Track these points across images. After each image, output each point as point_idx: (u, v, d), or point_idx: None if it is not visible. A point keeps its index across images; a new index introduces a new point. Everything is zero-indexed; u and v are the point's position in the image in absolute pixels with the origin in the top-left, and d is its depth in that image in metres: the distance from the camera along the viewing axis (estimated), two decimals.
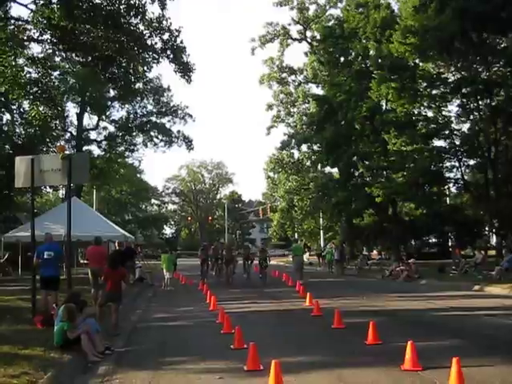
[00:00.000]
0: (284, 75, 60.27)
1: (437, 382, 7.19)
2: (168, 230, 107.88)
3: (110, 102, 46.69)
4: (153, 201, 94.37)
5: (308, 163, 59.97)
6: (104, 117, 48.25)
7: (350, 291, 21.70)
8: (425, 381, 7.35)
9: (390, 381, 7.42)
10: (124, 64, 23.42)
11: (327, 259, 37.32)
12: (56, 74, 31.73)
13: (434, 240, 56.56)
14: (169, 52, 22.96)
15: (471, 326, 12.07)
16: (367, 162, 44.81)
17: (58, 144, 29.29)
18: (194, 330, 12.87)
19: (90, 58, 23.54)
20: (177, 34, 23.02)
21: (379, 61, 32.85)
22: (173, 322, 14.12)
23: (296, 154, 62.29)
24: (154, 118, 48.92)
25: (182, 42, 23.29)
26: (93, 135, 49.06)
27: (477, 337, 10.63)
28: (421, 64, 32.09)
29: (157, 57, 23.17)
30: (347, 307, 15.16)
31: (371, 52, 41.38)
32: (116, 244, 19.90)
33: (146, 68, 24.71)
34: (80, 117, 45.27)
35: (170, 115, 48.79)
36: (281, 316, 14.69)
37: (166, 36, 22.91)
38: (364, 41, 43.30)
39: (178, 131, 49.69)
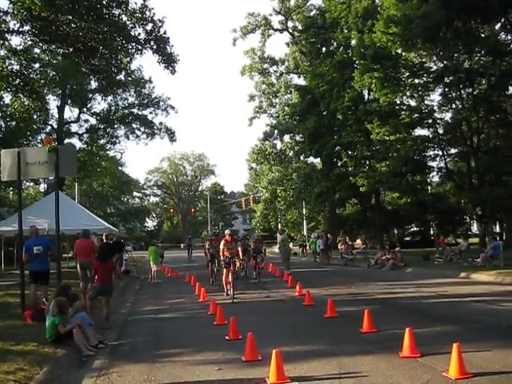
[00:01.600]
0: (266, 66, 60.21)
1: (437, 368, 7.21)
2: (150, 223, 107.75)
3: (91, 95, 46.21)
4: (135, 193, 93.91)
5: (291, 154, 59.98)
6: (85, 109, 47.76)
7: (337, 280, 21.75)
8: (424, 367, 7.37)
9: (390, 368, 7.42)
10: (107, 55, 23.18)
11: (312, 249, 37.36)
12: (36, 66, 31.10)
13: (415, 229, 57.05)
14: (152, 43, 22.77)
15: (463, 312, 12.15)
16: (350, 152, 44.95)
17: (41, 137, 28.93)
18: (186, 321, 12.81)
19: (71, 50, 23.24)
20: (160, 24, 22.85)
21: (362, 51, 32.77)
22: (164, 314, 14.02)
23: (279, 145, 62.37)
24: (135, 110, 48.54)
25: (165, 33, 23.12)
26: (74, 128, 48.58)
27: (470, 322, 10.70)
28: (403, 54, 32.11)
29: (140, 48, 22.93)
30: (338, 296, 15.18)
31: (353, 42, 41.39)
32: (104, 237, 19.69)
33: (129, 59, 24.39)
34: (61, 109, 44.70)
35: (151, 107, 48.43)
36: (272, 306, 14.67)
37: (149, 27, 22.73)
38: (346, 31, 43.32)
39: (161, 123, 49.45)
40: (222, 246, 17.75)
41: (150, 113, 49.20)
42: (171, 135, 48.76)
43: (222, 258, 17.88)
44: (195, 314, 13.83)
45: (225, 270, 17.34)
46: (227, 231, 18.92)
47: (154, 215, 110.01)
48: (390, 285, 18.95)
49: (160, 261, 26.94)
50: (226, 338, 9.97)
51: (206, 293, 16.55)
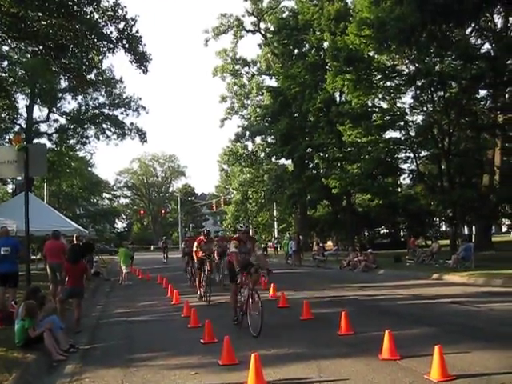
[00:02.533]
0: (237, 67, 60.17)
1: (417, 371, 7.12)
2: (120, 224, 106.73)
3: (61, 94, 45.48)
4: (104, 195, 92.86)
5: (262, 155, 60.08)
6: (55, 109, 47.01)
7: (310, 282, 21.68)
8: (405, 370, 7.27)
9: (370, 371, 7.31)
10: (78, 53, 22.76)
11: (284, 250, 37.31)
12: (5, 64, 30.50)
13: (386, 231, 57.49)
14: (124, 41, 22.41)
15: (439, 314, 12.14)
16: (322, 154, 45.06)
17: (9, 137, 28.30)
18: (159, 324, 12.55)
19: (41, 47, 22.80)
20: (132, 23, 22.50)
21: (335, 53, 32.83)
22: (136, 317, 13.72)
23: (250, 146, 62.41)
24: (106, 110, 47.94)
25: (137, 32, 22.78)
26: (43, 128, 47.84)
27: (447, 324, 10.67)
28: (376, 56, 32.25)
29: (112, 46, 22.52)
30: (312, 298, 15.05)
31: (326, 44, 41.52)
32: (74, 238, 19.30)
33: (100, 58, 23.98)
34: (30, 109, 43.96)
35: (122, 107, 47.84)
36: None
37: (121, 25, 22.36)
38: (318, 33, 43.51)
39: (131, 123, 48.88)
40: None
41: (121, 113, 48.69)
42: (142, 136, 48.27)
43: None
44: (168, 316, 13.59)
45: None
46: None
47: (124, 217, 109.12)
48: (364, 286, 18.90)
49: (130, 262, 26.59)
50: (201, 341, 9.76)
51: (179, 295, 16.33)
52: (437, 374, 6.67)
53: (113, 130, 48.48)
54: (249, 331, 10.34)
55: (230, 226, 75.65)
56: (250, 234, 14.45)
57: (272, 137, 52.24)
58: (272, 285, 16.86)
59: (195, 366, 8.10)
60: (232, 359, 8.07)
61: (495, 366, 7.24)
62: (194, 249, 17.11)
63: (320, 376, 7.18)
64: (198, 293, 16.83)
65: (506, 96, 30.82)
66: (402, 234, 57.15)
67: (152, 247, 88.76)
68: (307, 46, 47.93)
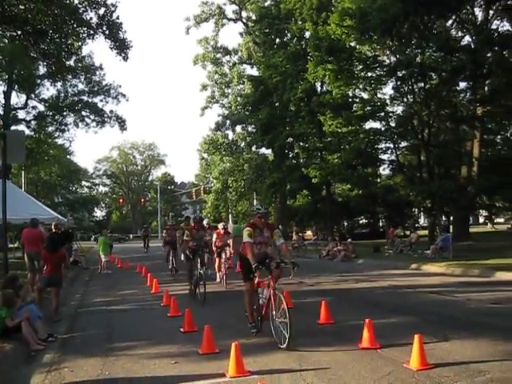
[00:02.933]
0: (219, 55, 59.75)
1: (397, 359, 7.17)
2: (99, 213, 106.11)
3: (39, 80, 44.75)
4: (83, 183, 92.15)
5: (243, 144, 59.91)
6: (33, 95, 46.21)
7: (288, 271, 21.69)
8: (385, 358, 7.33)
9: (351, 359, 7.35)
10: (57, 39, 22.49)
11: None
12: None
13: (365, 221, 57.86)
14: (105, 28, 22.24)
15: (418, 303, 12.25)
16: (302, 144, 45.09)
17: None
18: (139, 313, 12.52)
19: (20, 32, 22.50)
20: (113, 9, 22.41)
21: (316, 42, 32.76)
22: (115, 306, 13.67)
23: (230, 135, 62.14)
24: (85, 98, 47.17)
25: (118, 18, 22.63)
26: (21, 114, 46.91)
27: (426, 314, 10.77)
28: (358, 46, 32.24)
29: (92, 32, 22.33)
30: (291, 287, 15.07)
31: (307, 34, 41.42)
32: (53, 226, 19.10)
33: (80, 44, 23.70)
34: (7, 95, 43.21)
35: (102, 94, 47.22)
36: (226, 297, 14.50)
37: (101, 11, 22.29)
38: (300, 22, 43.37)
39: (111, 111, 48.10)
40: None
41: (101, 100, 47.95)
42: (122, 124, 47.69)
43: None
44: (148, 305, 13.56)
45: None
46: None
47: (103, 205, 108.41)
48: (343, 276, 19.02)
49: (109, 251, 26.46)
50: (181, 330, 9.75)
51: (159, 284, 16.29)
52: (416, 363, 6.73)
53: (92, 117, 47.79)
54: (229, 321, 10.34)
55: (209, 215, 75.53)
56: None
57: (252, 126, 52.11)
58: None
59: (175, 355, 8.08)
60: (212, 348, 8.06)
61: (473, 355, 7.33)
62: (185, 238, 15.09)
63: (300, 365, 7.20)
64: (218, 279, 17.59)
65: (486, 88, 30.99)
66: (380, 224, 57.57)
67: (131, 236, 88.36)
68: (289, 35, 47.80)
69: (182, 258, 17.38)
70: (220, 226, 19.09)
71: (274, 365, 7.32)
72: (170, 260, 21.39)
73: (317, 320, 10.05)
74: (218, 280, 17.54)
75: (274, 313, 8.57)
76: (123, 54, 22.90)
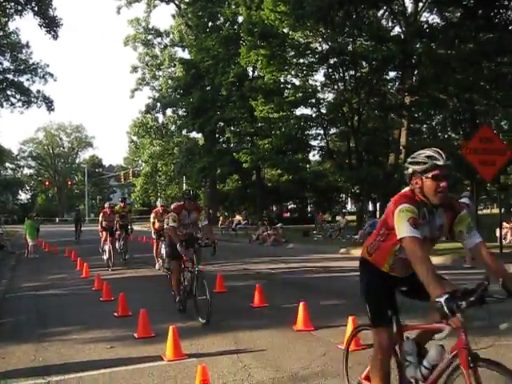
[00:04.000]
0: (150, 37, 59.01)
1: (332, 341, 7.34)
2: (24, 196, 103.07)
3: None
4: (7, 164, 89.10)
5: (173, 128, 59.52)
6: None
7: (221, 255, 21.75)
8: (320, 340, 7.48)
9: (286, 342, 7.46)
10: None
11: None
12: None
13: (293, 206, 58.67)
14: (33, 4, 21.41)
15: (349, 287, 12.42)
16: (233, 128, 45.13)
17: None
18: (70, 298, 12.23)
19: None
20: None
21: (250, 27, 32.73)
22: (45, 290, 13.31)
23: (161, 119, 61.61)
24: (10, 76, 45.61)
25: None
26: None
27: (356, 296, 10.67)
28: (290, 33, 32.43)
29: (20, 8, 21.48)
30: (224, 271, 15.13)
31: (240, 18, 41.32)
32: None
33: (7, 20, 22.81)
34: None
35: (29, 73, 45.82)
36: (155, 281, 14.37)
37: None
38: (234, 6, 43.20)
39: (38, 91, 46.86)
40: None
41: (27, 80, 46.58)
42: (49, 104, 46.38)
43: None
44: (79, 290, 13.28)
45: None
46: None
47: (28, 188, 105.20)
48: (274, 260, 19.20)
49: (36, 235, 25.74)
50: (115, 314, 9.64)
51: (89, 268, 16.01)
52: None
53: (18, 97, 46.28)
54: (162, 305, 10.31)
55: (138, 199, 74.67)
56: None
57: (183, 109, 51.79)
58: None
59: (110, 340, 7.96)
60: (148, 332, 8.01)
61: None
62: (170, 224, 11.31)
63: (237, 348, 7.26)
64: None
65: (414, 79, 31.85)
66: (309, 209, 58.50)
67: (57, 219, 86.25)
68: (222, 19, 47.54)
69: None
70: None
71: (210, 348, 7.34)
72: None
73: (251, 303, 10.14)
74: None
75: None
76: (53, 33, 22.17)
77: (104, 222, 18.44)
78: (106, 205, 19.46)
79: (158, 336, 7.73)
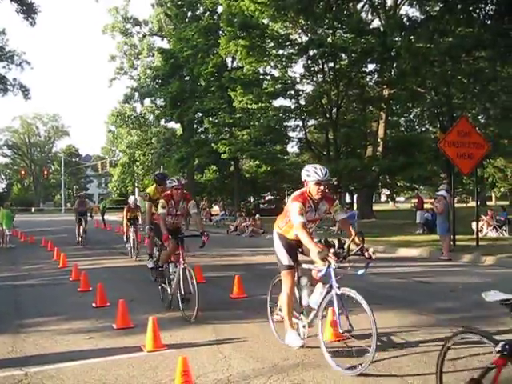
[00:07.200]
0: (128, 26, 58.47)
1: (312, 331, 7.37)
2: None
3: None
4: None
5: (151, 118, 59.19)
6: None
7: (197, 246, 21.71)
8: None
9: (266, 332, 7.45)
10: None
11: None
12: None
13: (271, 197, 58.70)
14: None
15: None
16: (212, 119, 44.99)
17: None
18: (47, 289, 12.10)
19: None
20: None
21: (230, 17, 32.57)
22: (22, 281, 13.16)
23: (139, 108, 61.19)
24: None
25: None
26: None
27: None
28: (270, 24, 32.38)
29: None
30: (202, 262, 15.10)
31: (220, 8, 41.12)
32: None
33: None
34: None
35: (4, 61, 45.22)
36: (135, 272, 14.33)
37: None
38: None
39: (14, 79, 46.49)
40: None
41: (3, 67, 46.03)
42: (25, 92, 45.98)
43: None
44: (57, 280, 13.17)
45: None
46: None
47: (3, 177, 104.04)
48: (253, 251, 19.27)
49: (12, 225, 25.44)
50: (93, 305, 9.60)
51: (67, 258, 15.89)
52: (329, 334, 6.99)
53: None
54: (141, 296, 10.28)
55: (115, 189, 74.13)
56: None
57: (162, 99, 51.42)
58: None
59: (89, 331, 7.93)
60: (127, 323, 7.99)
61: (383, 324, 7.64)
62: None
63: (217, 339, 7.26)
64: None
65: (393, 72, 32.02)
66: (286, 200, 58.61)
67: (33, 209, 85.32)
68: (201, 8, 47.33)
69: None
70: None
71: (190, 338, 7.34)
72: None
73: (229, 294, 10.16)
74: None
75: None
76: (30, 19, 21.89)
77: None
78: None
79: (138, 327, 7.74)
